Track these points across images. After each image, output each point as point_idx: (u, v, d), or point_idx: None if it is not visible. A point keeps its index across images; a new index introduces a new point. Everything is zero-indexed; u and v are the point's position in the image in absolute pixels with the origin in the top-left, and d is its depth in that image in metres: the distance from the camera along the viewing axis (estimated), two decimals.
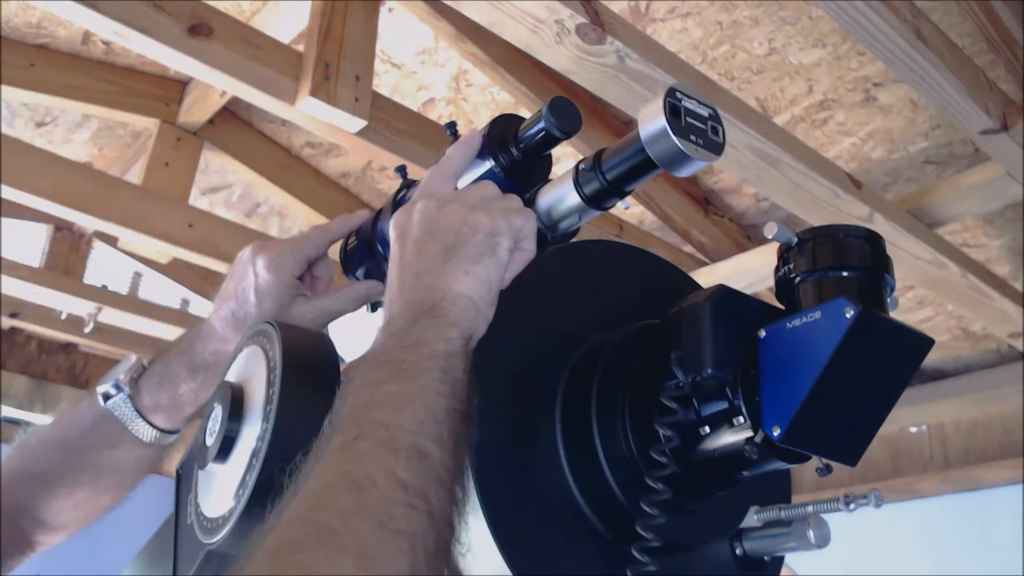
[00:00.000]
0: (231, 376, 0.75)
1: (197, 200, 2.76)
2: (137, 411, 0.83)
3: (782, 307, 0.62)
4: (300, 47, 1.77)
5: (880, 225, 1.89)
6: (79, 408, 0.85)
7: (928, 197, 2.07)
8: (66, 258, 2.87)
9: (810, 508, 0.63)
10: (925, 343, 0.60)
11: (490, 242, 0.63)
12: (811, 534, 0.63)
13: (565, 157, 2.22)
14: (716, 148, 0.62)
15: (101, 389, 0.84)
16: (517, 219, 0.65)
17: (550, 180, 0.72)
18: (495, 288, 0.63)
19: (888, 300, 0.61)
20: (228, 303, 0.83)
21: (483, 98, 2.32)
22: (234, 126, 2.59)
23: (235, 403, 0.70)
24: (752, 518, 0.67)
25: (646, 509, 0.60)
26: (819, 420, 0.57)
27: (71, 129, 2.57)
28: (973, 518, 2.87)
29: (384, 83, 2.29)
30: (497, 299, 0.63)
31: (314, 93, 1.67)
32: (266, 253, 0.82)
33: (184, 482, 0.82)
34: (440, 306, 0.60)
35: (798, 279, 0.61)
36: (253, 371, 0.70)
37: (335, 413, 0.57)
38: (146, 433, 0.84)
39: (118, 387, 0.84)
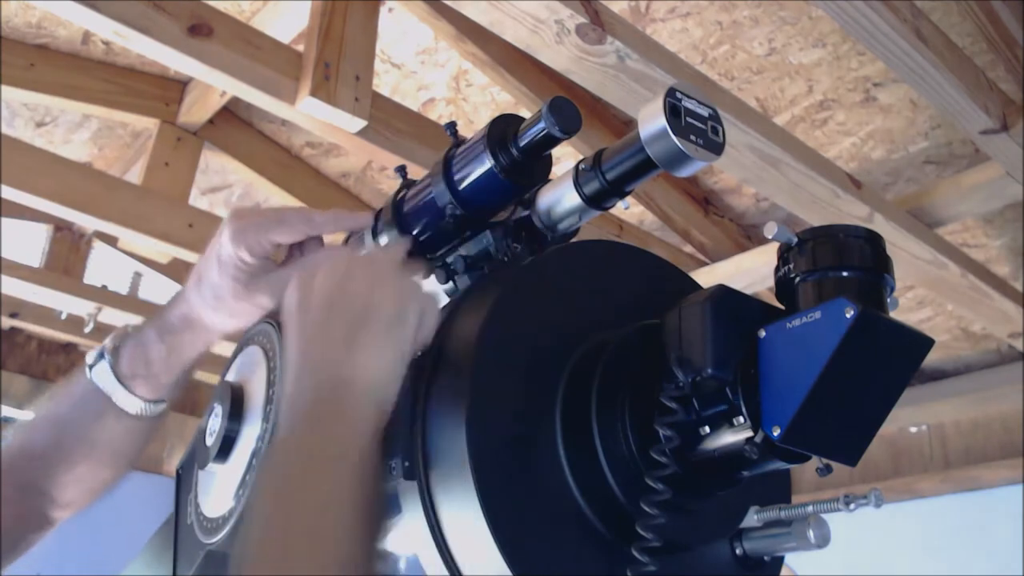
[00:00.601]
0: (231, 376, 0.75)
1: (197, 200, 2.76)
2: (118, 380, 0.80)
3: (782, 307, 0.62)
4: (300, 47, 1.77)
5: (880, 225, 1.89)
6: (71, 382, 0.83)
7: (928, 197, 2.08)
8: (66, 258, 2.87)
9: (810, 508, 0.63)
10: (925, 343, 0.60)
11: (396, 322, 0.62)
12: (811, 534, 0.63)
13: (565, 157, 2.22)
14: (716, 148, 0.62)
15: (88, 358, 0.82)
16: (421, 298, 0.64)
17: (550, 180, 0.72)
18: (401, 368, 0.63)
19: (888, 300, 0.61)
20: (198, 267, 0.81)
21: (483, 98, 2.32)
22: (234, 126, 2.59)
23: (235, 403, 0.70)
24: (752, 518, 0.67)
25: (646, 509, 0.60)
26: (819, 420, 0.57)
27: (71, 129, 2.58)
28: (973, 518, 2.87)
29: (384, 83, 2.29)
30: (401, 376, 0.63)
31: (314, 93, 1.67)
32: (235, 223, 0.78)
33: (184, 482, 0.82)
34: (348, 392, 0.59)
35: (798, 279, 0.61)
36: (253, 371, 0.70)
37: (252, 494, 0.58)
38: (129, 403, 0.80)
39: (101, 354, 0.81)
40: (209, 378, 3.32)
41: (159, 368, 0.81)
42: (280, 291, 0.74)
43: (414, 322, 0.63)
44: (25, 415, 3.06)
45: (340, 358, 0.61)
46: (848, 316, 0.55)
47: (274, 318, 0.76)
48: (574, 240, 0.76)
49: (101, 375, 0.80)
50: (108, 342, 0.82)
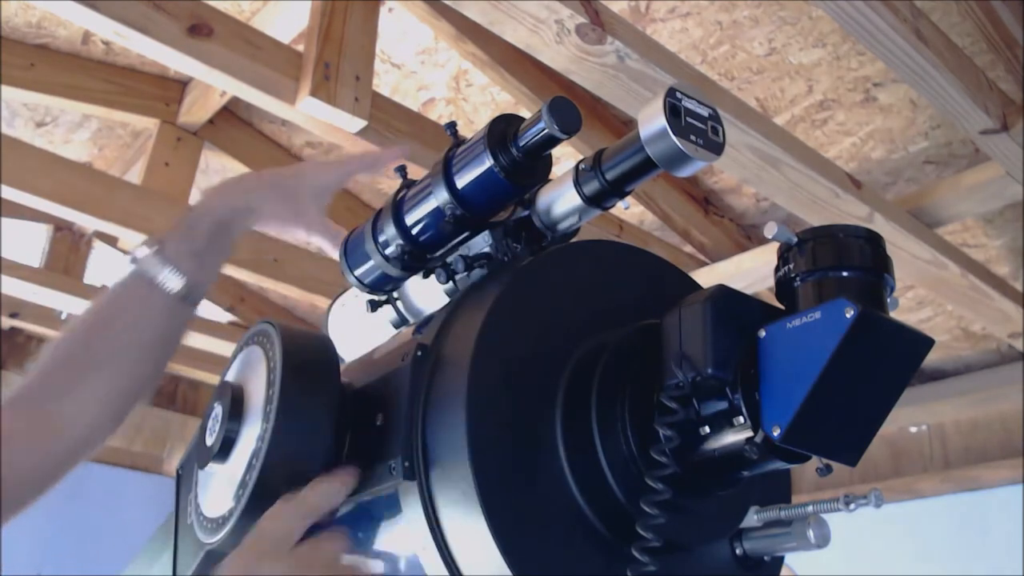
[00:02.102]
0: (231, 376, 0.75)
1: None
2: (165, 262, 0.83)
3: (782, 307, 0.62)
4: (300, 47, 1.77)
5: (880, 225, 1.89)
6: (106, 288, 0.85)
7: (928, 197, 2.07)
8: (66, 258, 2.87)
9: (810, 508, 0.63)
10: (925, 343, 0.60)
11: None
12: (811, 534, 0.63)
13: (565, 157, 2.22)
14: (716, 148, 0.62)
15: (130, 256, 0.84)
16: None
17: (550, 180, 0.72)
18: None
19: (888, 300, 0.61)
20: (280, 182, 0.90)
21: (483, 98, 2.32)
22: (234, 126, 2.59)
23: (235, 403, 0.70)
24: (752, 518, 0.67)
25: (646, 509, 0.60)
26: (819, 420, 0.57)
27: (71, 129, 2.57)
28: (973, 518, 2.87)
29: (384, 83, 2.29)
30: None
31: (314, 93, 1.67)
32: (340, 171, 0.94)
33: (184, 482, 0.82)
34: None
35: (798, 279, 0.61)
36: (253, 371, 0.70)
37: None
38: (175, 282, 0.82)
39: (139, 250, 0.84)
40: (209, 378, 3.32)
41: (203, 260, 0.85)
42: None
43: None
44: None
45: None
46: (848, 316, 0.55)
47: (274, 319, 0.76)
48: (574, 240, 0.76)
49: (146, 260, 0.82)
50: (147, 240, 0.85)
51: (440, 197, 0.72)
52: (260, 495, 0.64)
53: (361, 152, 0.88)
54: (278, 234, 0.91)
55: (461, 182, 0.71)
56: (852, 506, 0.61)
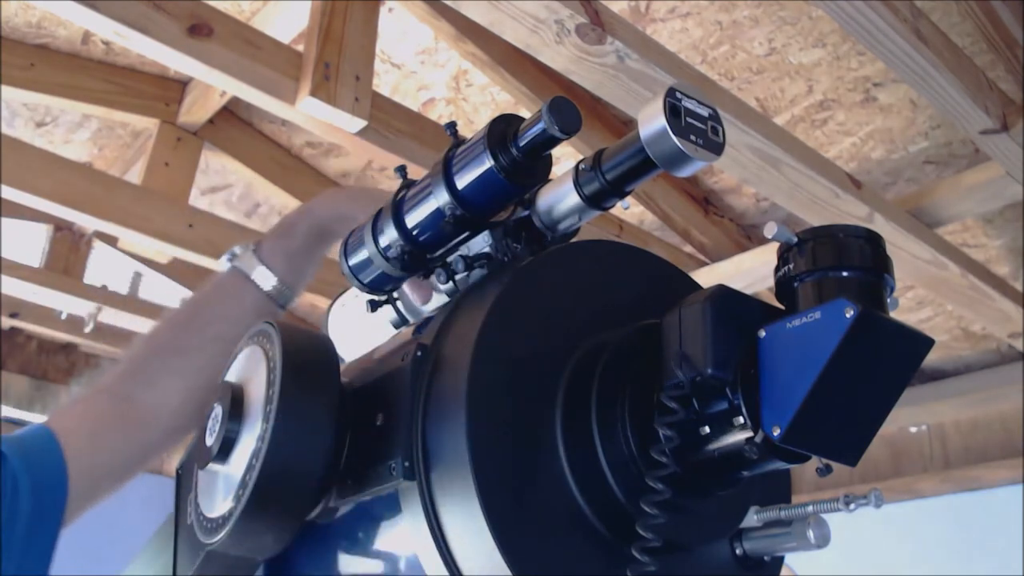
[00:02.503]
0: (231, 376, 0.75)
1: (197, 200, 2.76)
2: (259, 260, 0.86)
3: (782, 307, 0.62)
4: (300, 47, 1.77)
5: (880, 225, 1.89)
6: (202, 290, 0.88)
7: (928, 197, 2.08)
8: (66, 258, 2.87)
9: (810, 508, 0.63)
10: (925, 343, 0.60)
11: None
12: (811, 534, 0.63)
13: (565, 157, 2.22)
14: (716, 148, 0.62)
15: (226, 255, 0.87)
16: None
17: (550, 180, 0.72)
18: None
19: (888, 300, 0.61)
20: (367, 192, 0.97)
21: (483, 98, 2.32)
22: (234, 126, 2.59)
23: (235, 403, 0.70)
24: (752, 518, 0.67)
25: (646, 509, 0.60)
26: (819, 420, 0.57)
27: (71, 129, 2.58)
28: (973, 518, 2.87)
29: (384, 83, 2.29)
30: None
31: (314, 93, 1.67)
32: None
33: (184, 482, 0.82)
34: None
35: (798, 279, 0.61)
36: (253, 371, 0.70)
37: None
38: (265, 278, 0.85)
39: (236, 253, 0.87)
40: None
41: (297, 262, 0.88)
42: None
43: None
44: (24, 415, 3.06)
45: None
46: (848, 316, 0.55)
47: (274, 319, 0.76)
48: (574, 240, 0.76)
49: (242, 257, 0.86)
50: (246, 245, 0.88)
51: (440, 197, 0.72)
52: (260, 495, 0.64)
53: None
54: None
55: (461, 182, 0.71)
56: (852, 506, 0.61)
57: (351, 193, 0.95)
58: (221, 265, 0.87)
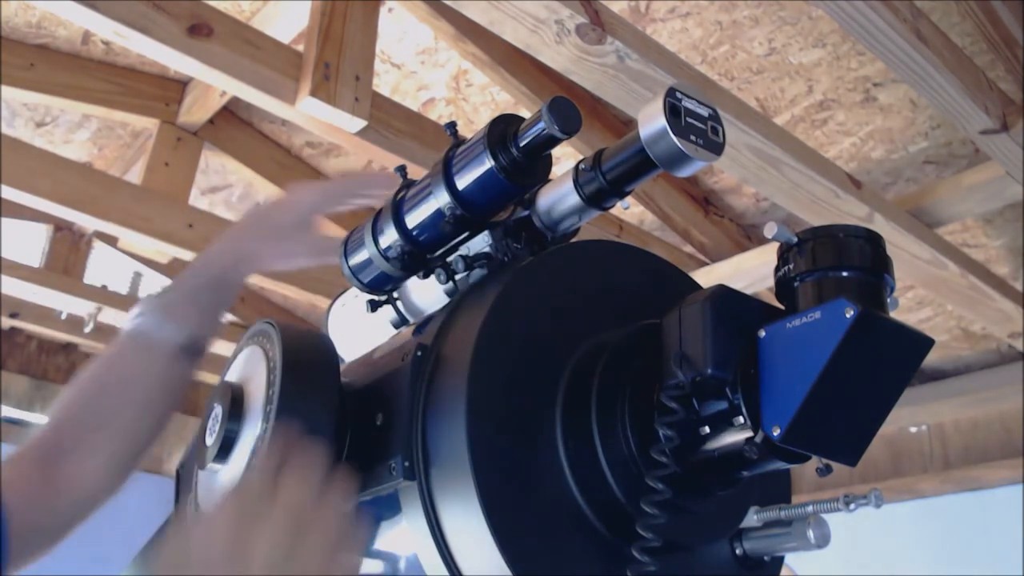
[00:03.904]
0: (231, 376, 0.75)
1: (197, 200, 2.76)
2: (164, 317, 0.84)
3: (782, 307, 0.62)
4: (300, 47, 1.77)
5: (880, 225, 1.89)
6: (107, 352, 0.85)
7: (928, 197, 2.07)
8: (66, 258, 2.87)
9: (810, 508, 0.63)
10: (925, 343, 0.60)
11: None
12: (811, 534, 0.63)
13: (565, 157, 2.22)
14: (716, 148, 0.62)
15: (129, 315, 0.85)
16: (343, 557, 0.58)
17: (550, 180, 0.72)
18: None
19: (888, 300, 0.61)
20: (266, 223, 0.95)
21: (483, 98, 2.32)
22: (234, 126, 2.59)
23: (235, 403, 0.70)
24: (752, 518, 0.67)
25: (646, 509, 0.60)
26: (819, 420, 0.57)
27: (71, 129, 2.58)
28: (973, 518, 2.87)
29: (384, 83, 2.29)
30: None
31: (314, 93, 1.67)
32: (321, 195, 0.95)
33: (184, 482, 0.82)
34: None
35: (798, 279, 0.61)
36: (253, 371, 0.70)
37: None
38: (176, 333, 0.83)
39: (140, 309, 0.86)
40: (209, 378, 3.32)
41: (203, 310, 0.87)
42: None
43: None
44: (24, 415, 3.06)
45: None
46: (848, 316, 0.55)
47: (274, 318, 0.76)
48: (574, 240, 0.76)
49: (147, 314, 0.84)
50: (146, 295, 0.87)
51: (440, 197, 0.72)
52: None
53: (346, 176, 0.90)
54: (285, 268, 0.94)
55: (461, 182, 0.71)
56: (852, 506, 0.61)
57: (236, 232, 0.92)
58: (127, 322, 0.84)
